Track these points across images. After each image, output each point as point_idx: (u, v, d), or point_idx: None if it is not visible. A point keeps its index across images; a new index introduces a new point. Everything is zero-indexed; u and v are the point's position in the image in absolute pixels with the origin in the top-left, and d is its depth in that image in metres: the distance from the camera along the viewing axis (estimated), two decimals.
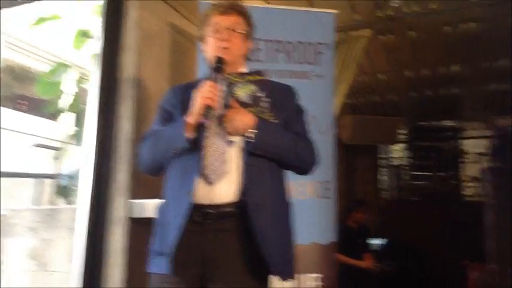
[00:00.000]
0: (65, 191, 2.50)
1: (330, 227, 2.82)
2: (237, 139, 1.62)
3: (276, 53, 2.89)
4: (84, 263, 2.33)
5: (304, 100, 2.87)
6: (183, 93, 1.72)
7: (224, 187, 1.57)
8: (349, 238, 4.48)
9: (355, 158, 7.87)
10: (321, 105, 2.91)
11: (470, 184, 7.93)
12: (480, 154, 7.96)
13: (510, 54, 4.88)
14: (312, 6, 3.67)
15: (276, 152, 1.63)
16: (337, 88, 3.91)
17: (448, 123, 8.27)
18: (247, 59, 1.84)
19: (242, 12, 1.78)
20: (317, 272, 2.72)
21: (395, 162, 8.36)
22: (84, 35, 2.45)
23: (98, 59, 2.40)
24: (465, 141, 8.18)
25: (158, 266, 1.57)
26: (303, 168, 1.75)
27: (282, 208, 1.68)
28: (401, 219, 6.46)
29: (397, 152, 8.36)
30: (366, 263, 4.62)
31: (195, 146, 1.59)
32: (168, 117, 1.73)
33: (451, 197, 7.83)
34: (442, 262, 5.63)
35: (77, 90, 2.52)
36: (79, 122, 2.54)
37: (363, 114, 7.02)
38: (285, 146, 1.65)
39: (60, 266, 2.45)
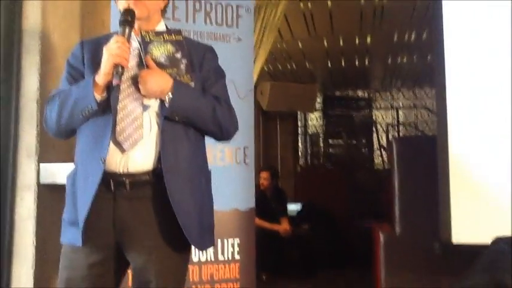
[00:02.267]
0: None
1: (248, 193, 2.84)
2: (152, 102, 1.52)
3: (195, 12, 2.79)
4: None
5: (223, 64, 2.81)
6: (95, 49, 1.56)
7: (139, 154, 1.48)
8: (263, 202, 4.58)
9: (275, 125, 8.00)
10: (240, 70, 2.87)
11: (378, 152, 8.42)
12: (388, 124, 8.46)
13: (417, 28, 5.17)
14: None
15: (192, 117, 1.54)
16: (257, 54, 3.90)
17: (360, 93, 8.66)
18: (163, 14, 1.71)
19: None
20: (235, 237, 2.74)
21: (312, 130, 8.64)
22: None
23: None
24: (375, 112, 8.63)
25: (70, 236, 1.48)
26: (222, 134, 1.66)
27: (200, 175, 1.61)
28: (315, 185, 6.71)
29: (313, 120, 8.63)
30: (283, 226, 4.75)
31: (105, 109, 1.48)
32: (76, 76, 1.58)
33: (362, 164, 8.27)
34: (353, 225, 5.96)
35: None
36: None
37: (280, 81, 7.11)
38: (202, 111, 1.56)
39: None
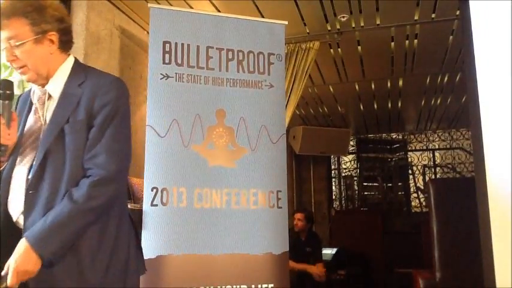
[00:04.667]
0: None
1: (282, 236, 2.82)
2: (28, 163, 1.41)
3: (228, 61, 2.90)
4: None
5: (256, 110, 2.93)
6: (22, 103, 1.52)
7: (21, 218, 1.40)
8: (297, 245, 4.52)
9: (308, 168, 7.99)
10: (272, 115, 2.94)
11: (415, 194, 8.22)
12: (424, 166, 8.28)
13: (450, 70, 5.15)
14: (262, 16, 3.72)
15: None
16: (289, 99, 3.97)
17: (395, 135, 8.57)
18: (66, 50, 1.53)
19: (20, 13, 1.41)
20: (269, 282, 2.70)
21: (346, 174, 8.55)
22: None
23: None
24: (411, 154, 8.49)
25: None
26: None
27: None
28: (351, 229, 6.58)
29: (347, 163, 8.56)
30: (318, 270, 4.65)
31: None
32: None
33: (398, 207, 8.07)
34: (389, 269, 5.77)
35: (20, 93, 2.40)
36: None
37: (312, 125, 7.15)
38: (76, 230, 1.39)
39: None
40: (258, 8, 3.69)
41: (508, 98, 2.62)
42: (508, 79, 2.64)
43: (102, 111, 1.42)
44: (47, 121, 1.42)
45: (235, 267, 2.65)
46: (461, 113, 6.78)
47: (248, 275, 2.67)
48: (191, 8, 3.54)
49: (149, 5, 2.81)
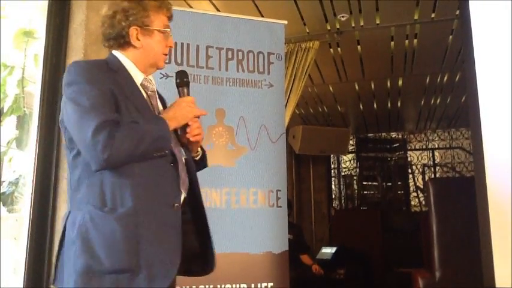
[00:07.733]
0: (6, 199, 2.36)
1: (282, 235, 2.83)
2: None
3: (227, 61, 2.90)
4: (29, 276, 2.20)
5: (256, 109, 2.93)
6: (109, 74, 1.49)
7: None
8: None
9: (307, 168, 7.99)
10: (272, 115, 2.95)
11: (414, 194, 8.22)
12: (424, 165, 8.29)
13: (449, 70, 5.15)
14: (262, 16, 3.73)
15: None
16: (288, 98, 3.97)
17: (394, 135, 8.57)
18: None
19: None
20: (269, 281, 2.71)
21: (345, 173, 8.55)
22: (27, 34, 2.35)
23: (41, 61, 2.31)
24: (410, 153, 8.49)
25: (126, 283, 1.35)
26: None
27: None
28: (350, 228, 6.59)
29: (346, 162, 8.56)
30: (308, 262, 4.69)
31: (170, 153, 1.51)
32: (115, 102, 1.43)
33: (398, 206, 8.07)
34: (389, 268, 5.78)
35: (19, 92, 2.40)
36: (21, 125, 2.42)
37: (312, 125, 7.15)
38: None
39: (2, 279, 2.30)
40: (257, 8, 3.70)
41: (507, 97, 2.63)
42: (507, 78, 2.64)
43: None
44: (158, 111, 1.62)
45: (235, 267, 2.66)
46: (461, 113, 6.78)
47: (248, 274, 2.67)
48: (191, 7, 3.55)
49: None
